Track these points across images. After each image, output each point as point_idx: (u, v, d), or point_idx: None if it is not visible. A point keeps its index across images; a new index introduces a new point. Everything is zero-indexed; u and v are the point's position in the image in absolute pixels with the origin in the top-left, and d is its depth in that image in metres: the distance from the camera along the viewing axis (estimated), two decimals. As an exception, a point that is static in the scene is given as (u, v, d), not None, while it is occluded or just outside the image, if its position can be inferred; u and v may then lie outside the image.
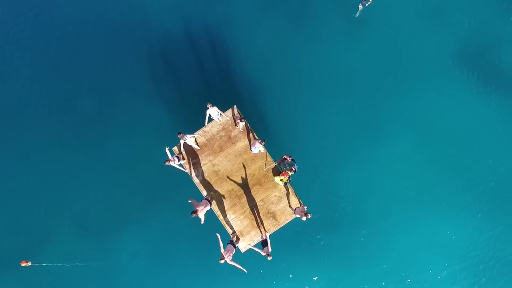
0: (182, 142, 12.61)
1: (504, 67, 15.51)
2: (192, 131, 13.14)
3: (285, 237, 14.34)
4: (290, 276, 14.65)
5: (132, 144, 15.11)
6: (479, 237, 14.83)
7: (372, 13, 15.67)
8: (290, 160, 12.93)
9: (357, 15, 15.64)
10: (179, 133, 12.08)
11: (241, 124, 12.85)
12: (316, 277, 14.54)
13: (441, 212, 14.92)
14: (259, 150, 12.85)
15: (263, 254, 11.95)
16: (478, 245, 14.79)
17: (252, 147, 12.74)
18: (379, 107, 15.40)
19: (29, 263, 14.02)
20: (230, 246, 11.99)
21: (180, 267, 14.51)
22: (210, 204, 12.30)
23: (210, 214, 12.50)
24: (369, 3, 15.25)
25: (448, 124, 15.28)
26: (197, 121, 13.39)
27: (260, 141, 12.45)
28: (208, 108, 12.38)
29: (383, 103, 15.41)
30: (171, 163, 12.03)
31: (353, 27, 15.81)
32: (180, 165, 12.63)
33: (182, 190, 14.24)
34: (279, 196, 13.01)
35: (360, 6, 15.34)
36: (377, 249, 14.81)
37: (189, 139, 12.60)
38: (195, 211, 11.41)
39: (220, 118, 13.05)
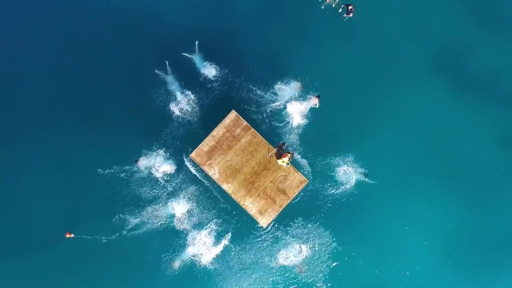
0: None
1: (477, 69, 17.61)
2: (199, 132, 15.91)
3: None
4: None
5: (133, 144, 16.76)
6: (454, 220, 17.08)
7: (359, 24, 17.55)
8: (284, 147, 15.75)
9: (345, 20, 17.41)
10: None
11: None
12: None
13: (424, 197, 17.09)
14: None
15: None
16: (454, 227, 17.07)
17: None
18: (368, 106, 17.31)
19: (72, 235, 15.93)
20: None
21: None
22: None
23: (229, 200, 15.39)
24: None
25: (429, 120, 17.31)
26: (204, 124, 16.17)
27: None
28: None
29: (371, 102, 17.33)
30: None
31: (344, 36, 17.61)
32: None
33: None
34: (284, 175, 15.77)
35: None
36: (368, 227, 16.95)
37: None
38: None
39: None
